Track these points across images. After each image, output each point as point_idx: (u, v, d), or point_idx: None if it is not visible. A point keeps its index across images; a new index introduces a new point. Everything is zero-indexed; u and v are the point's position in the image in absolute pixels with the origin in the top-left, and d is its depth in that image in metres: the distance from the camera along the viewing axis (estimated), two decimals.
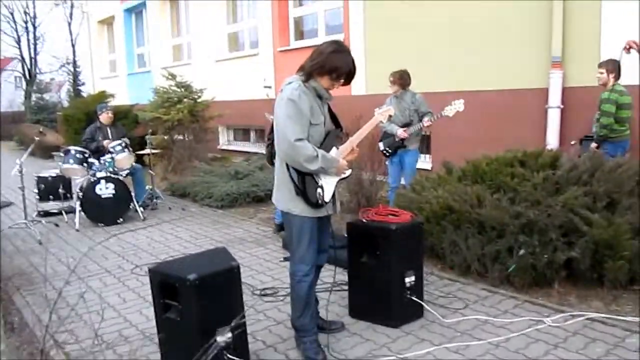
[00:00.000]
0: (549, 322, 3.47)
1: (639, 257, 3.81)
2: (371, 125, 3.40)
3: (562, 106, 6.38)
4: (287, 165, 3.04)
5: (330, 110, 3.21)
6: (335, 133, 3.20)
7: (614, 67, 5.34)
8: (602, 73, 5.38)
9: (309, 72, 3.00)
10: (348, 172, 3.21)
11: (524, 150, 4.78)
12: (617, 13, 5.80)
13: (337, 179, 3.16)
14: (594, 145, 5.37)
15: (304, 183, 3.04)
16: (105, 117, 7.40)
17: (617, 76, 5.34)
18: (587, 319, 3.50)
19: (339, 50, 3.00)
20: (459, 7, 7.20)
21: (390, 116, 3.69)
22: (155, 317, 2.96)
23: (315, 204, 3.05)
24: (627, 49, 5.27)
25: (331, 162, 3.02)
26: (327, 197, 3.10)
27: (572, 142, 6.05)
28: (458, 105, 5.39)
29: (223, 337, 2.77)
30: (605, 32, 5.92)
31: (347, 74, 3.01)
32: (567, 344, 3.20)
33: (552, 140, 6.39)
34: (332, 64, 2.96)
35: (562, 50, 6.29)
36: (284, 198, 3.12)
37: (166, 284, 2.83)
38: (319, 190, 3.05)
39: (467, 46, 7.18)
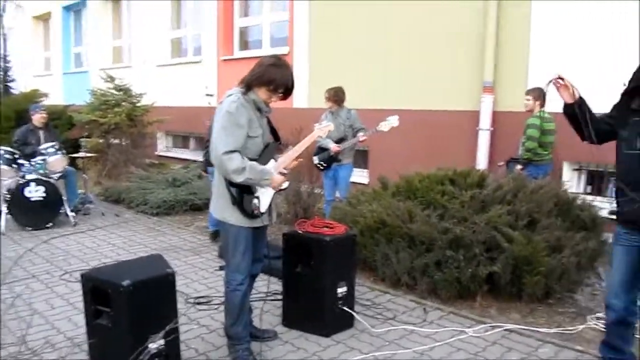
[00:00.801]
0: (470, 333, 3.67)
1: (553, 273, 4.09)
2: (310, 140, 3.48)
3: (492, 129, 6.74)
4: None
5: (269, 122, 3.29)
6: (273, 146, 3.27)
7: (539, 94, 5.71)
8: (528, 100, 5.75)
9: (248, 84, 3.07)
10: (285, 184, 3.27)
11: (454, 169, 5.02)
12: (544, 43, 6.23)
13: (273, 190, 3.22)
14: (518, 167, 5.71)
15: (241, 193, 3.09)
16: (38, 119, 7.14)
17: (542, 103, 5.72)
18: (506, 329, 3.73)
19: (278, 64, 3.09)
20: (398, 30, 7.48)
21: (328, 131, 3.79)
22: (86, 323, 2.92)
23: (251, 214, 3.10)
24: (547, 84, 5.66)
25: (261, 174, 3.05)
26: (263, 208, 3.16)
27: (500, 164, 6.39)
28: (392, 120, 5.62)
29: (155, 344, 2.79)
30: (533, 61, 6.34)
31: (284, 87, 3.08)
32: (486, 353, 3.40)
33: (482, 161, 6.73)
34: (270, 76, 3.03)
35: (493, 75, 6.66)
36: (221, 207, 3.16)
37: (98, 290, 2.81)
38: (255, 200, 3.10)
39: (405, 67, 7.47)
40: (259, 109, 3.13)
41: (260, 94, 3.09)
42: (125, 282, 2.69)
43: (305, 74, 8.88)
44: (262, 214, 3.15)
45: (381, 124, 5.67)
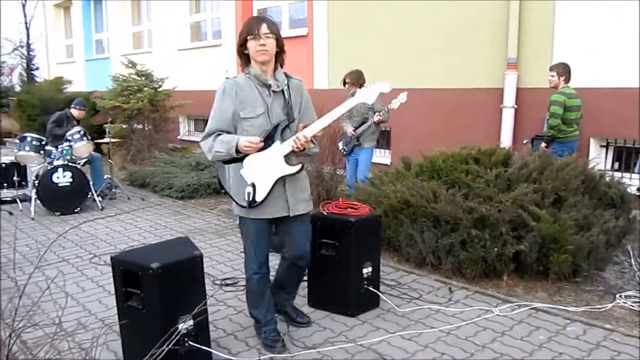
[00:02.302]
0: (497, 312, 3.66)
1: (581, 251, 4.05)
2: (331, 117, 2.98)
3: (516, 106, 6.64)
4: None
5: (288, 99, 2.97)
6: (283, 125, 2.94)
7: (564, 70, 5.60)
8: (552, 76, 5.64)
9: (240, 55, 2.94)
10: (296, 168, 2.94)
11: (478, 148, 4.97)
12: (569, 18, 6.08)
13: (275, 176, 2.91)
14: (543, 144, 5.63)
15: (230, 182, 2.98)
16: (77, 114, 7.43)
17: (567, 79, 5.61)
18: (532, 308, 3.71)
19: (248, 20, 2.93)
20: (419, 8, 7.37)
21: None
22: (116, 305, 2.99)
23: (248, 204, 2.88)
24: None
25: (227, 144, 2.83)
26: (260, 196, 2.90)
27: (524, 142, 6.31)
28: (401, 97, 5.62)
29: (185, 325, 2.83)
30: (558, 36, 6.20)
31: (246, 29, 2.86)
32: (513, 332, 3.39)
33: (506, 139, 6.65)
34: (240, 34, 2.90)
35: (517, 52, 6.54)
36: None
37: (129, 272, 2.86)
38: (249, 189, 2.87)
39: (426, 46, 7.37)
40: (264, 84, 2.93)
41: (253, 63, 2.92)
42: (155, 265, 2.73)
43: (325, 55, 8.83)
44: (258, 203, 2.91)
45: (392, 102, 5.68)
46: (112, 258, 3.00)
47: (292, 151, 2.92)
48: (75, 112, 7.39)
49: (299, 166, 2.97)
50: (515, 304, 3.78)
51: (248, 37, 2.84)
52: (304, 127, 2.92)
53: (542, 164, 4.62)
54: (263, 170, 2.90)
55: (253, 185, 2.87)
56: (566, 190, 4.40)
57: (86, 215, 6.58)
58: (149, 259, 2.81)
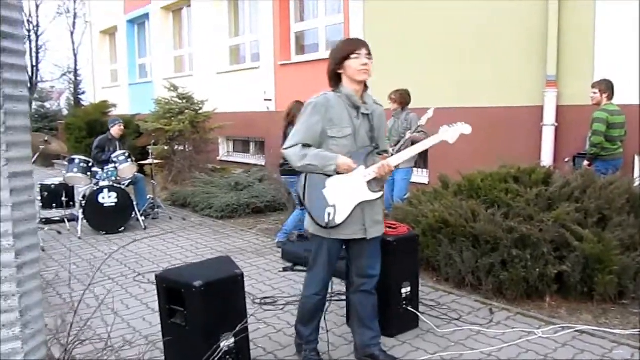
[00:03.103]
0: (540, 334, 3.59)
1: (627, 272, 3.94)
2: (433, 142, 3.09)
3: (556, 124, 6.54)
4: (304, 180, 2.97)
5: (372, 124, 3.01)
6: (367, 151, 2.98)
7: (607, 87, 5.51)
8: (595, 93, 5.55)
9: (332, 76, 2.96)
10: (378, 194, 2.96)
11: (517, 167, 4.91)
12: (610, 33, 5.98)
13: (357, 200, 2.91)
14: (586, 162, 5.52)
15: (311, 200, 2.92)
16: (116, 131, 7.62)
17: (610, 96, 5.50)
18: (577, 330, 3.62)
19: (345, 40, 3.06)
20: (457, 25, 7.38)
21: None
22: (160, 322, 3.07)
23: (325, 225, 2.88)
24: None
25: (325, 159, 2.82)
26: (340, 219, 2.88)
27: (566, 160, 6.20)
28: (428, 113, 5.65)
29: (227, 342, 2.89)
30: (599, 52, 6.10)
31: (349, 48, 2.92)
32: (557, 354, 3.32)
33: (547, 157, 6.54)
34: (333, 54, 2.95)
35: (556, 69, 6.46)
36: (307, 216, 3.03)
37: (172, 290, 2.95)
38: (330, 209, 2.86)
39: (464, 63, 7.36)
40: (354, 106, 2.94)
41: (346, 83, 2.94)
42: (198, 283, 2.81)
43: None
44: (338, 225, 2.89)
45: (421, 118, 5.72)
46: (156, 276, 3.09)
47: (374, 177, 2.95)
48: (114, 130, 7.63)
49: (381, 193, 3.00)
50: (558, 325, 3.70)
51: (351, 56, 2.88)
52: (384, 157, 3.03)
53: (584, 183, 4.53)
54: (345, 193, 2.90)
55: (334, 207, 2.87)
56: (610, 209, 4.30)
57: (130, 235, 6.78)
58: (192, 277, 2.89)
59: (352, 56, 2.87)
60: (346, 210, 2.90)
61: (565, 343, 3.46)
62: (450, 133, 3.08)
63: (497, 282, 4.15)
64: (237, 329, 2.62)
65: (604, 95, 5.50)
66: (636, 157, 5.99)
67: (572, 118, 6.39)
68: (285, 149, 2.90)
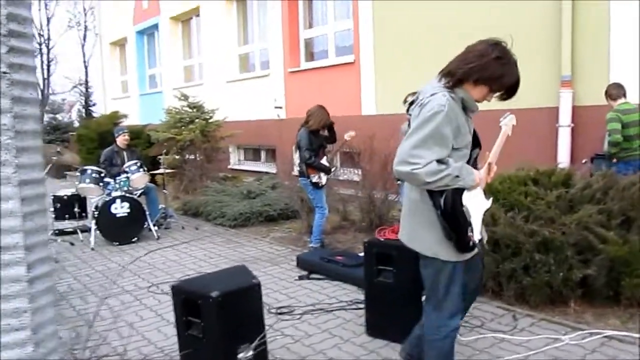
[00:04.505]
0: (567, 340, 3.47)
1: None
2: (502, 141, 2.75)
3: (572, 125, 6.43)
4: (435, 198, 2.46)
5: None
6: (475, 154, 2.64)
7: (616, 92, 5.53)
8: (607, 99, 5.54)
9: (460, 78, 2.45)
10: (489, 202, 2.60)
11: (536, 169, 4.80)
12: (625, 32, 5.88)
13: (482, 211, 2.57)
14: (603, 167, 5.41)
15: (458, 224, 2.45)
16: (121, 140, 7.51)
17: (622, 96, 5.45)
18: (605, 336, 3.50)
19: (505, 57, 2.45)
20: (469, 26, 7.29)
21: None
22: (177, 334, 3.00)
23: (469, 247, 2.51)
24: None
25: (467, 170, 2.43)
26: (477, 236, 2.53)
27: (584, 161, 6.08)
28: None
29: (245, 355, 2.82)
30: (614, 51, 6.00)
31: (509, 88, 2.49)
32: None
33: (564, 159, 6.42)
34: (495, 73, 2.41)
35: (571, 69, 6.36)
36: (427, 239, 2.53)
37: (189, 301, 2.88)
38: (469, 230, 2.48)
39: None
40: (465, 109, 2.50)
41: (474, 92, 2.47)
42: (215, 293, 2.74)
43: (372, 81, 8.84)
44: (477, 243, 2.55)
45: None
46: (172, 287, 3.03)
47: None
48: (119, 139, 7.51)
49: (491, 198, 2.65)
50: (586, 331, 3.58)
51: (496, 87, 2.50)
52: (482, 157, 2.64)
53: (606, 184, 4.41)
54: (474, 206, 2.51)
55: (471, 225, 2.49)
56: (634, 211, 4.17)
57: (143, 245, 6.73)
58: (209, 288, 2.82)
59: (493, 87, 2.49)
60: (478, 226, 2.54)
61: (594, 349, 3.35)
62: (509, 126, 2.79)
63: (519, 287, 4.04)
64: (257, 341, 2.55)
65: (613, 101, 5.51)
66: None
67: (588, 118, 6.27)
68: (415, 170, 2.32)
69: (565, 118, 6.47)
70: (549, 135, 6.60)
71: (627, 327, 3.64)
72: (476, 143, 2.65)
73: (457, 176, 2.36)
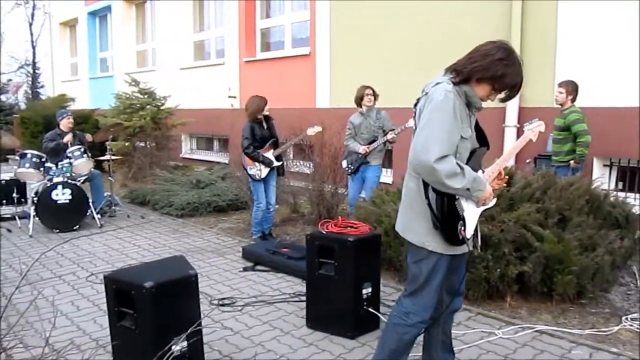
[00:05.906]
0: (500, 334, 3.57)
1: (586, 272, 3.96)
2: (522, 144, 2.93)
3: (518, 125, 6.60)
4: (426, 188, 2.50)
5: (477, 122, 2.69)
6: (481, 152, 2.66)
7: (573, 88, 5.56)
8: (561, 92, 5.59)
9: (464, 76, 2.49)
10: (493, 201, 2.62)
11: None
12: (572, 35, 6.06)
13: (480, 210, 2.61)
14: (573, 163, 5.52)
15: (447, 215, 2.49)
16: (65, 124, 7.21)
17: (574, 98, 5.58)
18: (537, 331, 3.62)
19: (509, 58, 2.47)
20: (420, 29, 7.39)
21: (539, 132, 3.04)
22: (109, 325, 2.92)
23: (458, 240, 2.53)
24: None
25: (475, 182, 2.41)
26: (469, 233, 2.56)
27: (527, 161, 6.25)
28: (410, 122, 5.59)
29: (178, 346, 2.76)
30: (560, 56, 6.18)
31: (511, 88, 2.53)
32: (517, 354, 3.30)
33: None
34: (498, 72, 2.45)
35: None
36: (419, 229, 2.55)
37: (121, 291, 2.80)
38: (460, 224, 2.51)
39: (427, 66, 7.36)
40: (468, 104, 2.55)
41: (479, 89, 2.51)
42: (148, 284, 2.67)
43: (327, 74, 8.84)
44: (468, 239, 2.56)
45: (409, 121, 5.63)
46: (105, 277, 2.94)
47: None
48: (63, 122, 7.21)
49: (495, 200, 2.67)
50: (519, 326, 3.69)
51: (498, 86, 2.52)
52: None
53: (545, 184, 4.55)
54: (471, 203, 2.55)
55: (463, 219, 2.52)
56: (570, 210, 4.32)
57: (85, 233, 6.52)
58: (143, 278, 2.75)
59: (496, 86, 2.53)
60: (473, 223, 2.59)
61: (525, 343, 3.45)
62: (535, 132, 2.93)
63: None
64: (190, 331, 2.49)
65: (569, 97, 5.56)
66: (595, 159, 6.09)
67: (533, 119, 6.45)
68: (435, 162, 2.31)
69: (511, 118, 6.64)
70: (495, 134, 6.75)
71: (558, 323, 3.78)
72: (483, 142, 2.70)
73: (468, 189, 2.40)
